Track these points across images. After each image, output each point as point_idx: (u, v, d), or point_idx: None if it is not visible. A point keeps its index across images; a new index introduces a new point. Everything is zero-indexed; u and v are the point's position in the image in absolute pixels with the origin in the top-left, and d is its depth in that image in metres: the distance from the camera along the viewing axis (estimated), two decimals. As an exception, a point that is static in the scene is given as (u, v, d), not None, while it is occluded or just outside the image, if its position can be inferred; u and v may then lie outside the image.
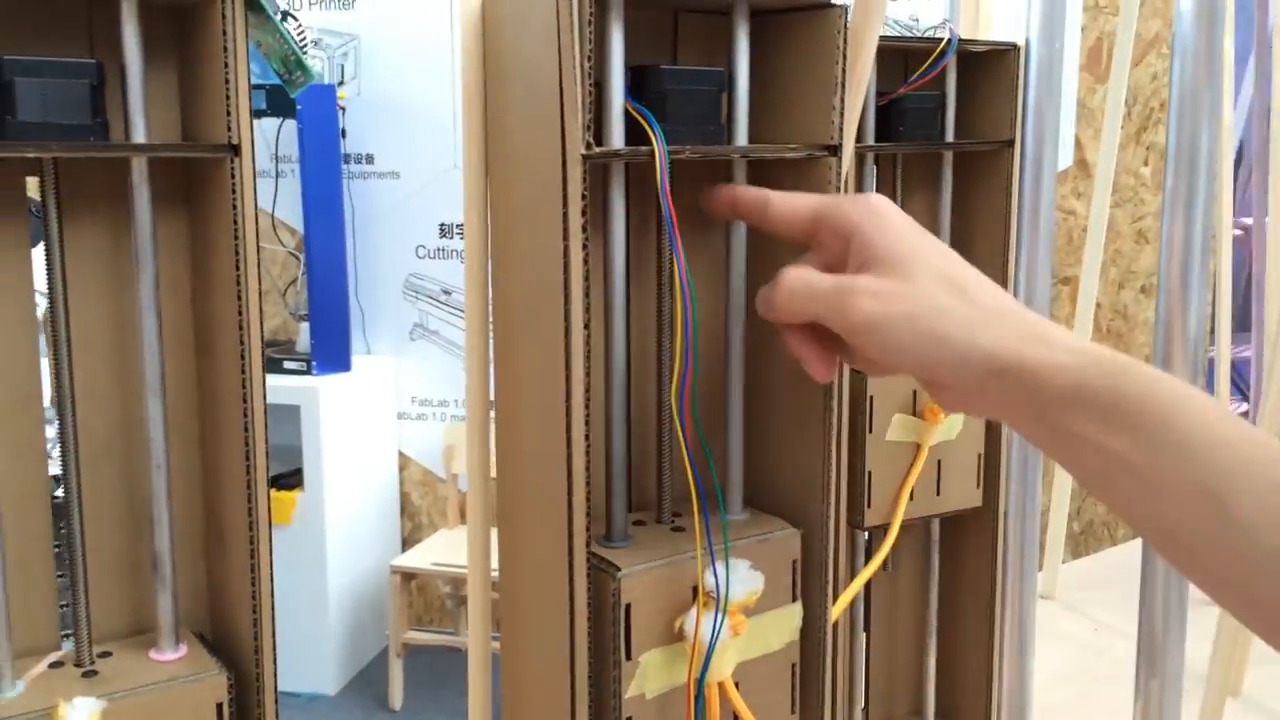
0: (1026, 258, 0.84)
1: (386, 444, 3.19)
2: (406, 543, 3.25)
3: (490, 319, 0.63)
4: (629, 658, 0.57)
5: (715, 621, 0.56)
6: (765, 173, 0.62)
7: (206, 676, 0.53)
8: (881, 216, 0.51)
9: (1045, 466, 0.91)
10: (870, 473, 0.82)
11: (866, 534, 0.86)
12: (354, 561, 3.02)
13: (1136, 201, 2.96)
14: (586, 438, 0.54)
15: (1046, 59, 0.81)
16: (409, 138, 3.05)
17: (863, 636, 0.90)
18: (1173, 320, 0.79)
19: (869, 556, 0.85)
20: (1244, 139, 2.22)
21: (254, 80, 0.52)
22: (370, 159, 3.11)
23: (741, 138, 0.60)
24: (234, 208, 0.51)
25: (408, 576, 2.88)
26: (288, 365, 2.92)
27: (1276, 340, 1.19)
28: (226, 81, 0.51)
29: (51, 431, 0.54)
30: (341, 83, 3.03)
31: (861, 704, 0.91)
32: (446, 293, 3.12)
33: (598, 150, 0.52)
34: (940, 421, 0.83)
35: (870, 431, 0.81)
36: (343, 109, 2.97)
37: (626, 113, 0.55)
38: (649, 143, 0.54)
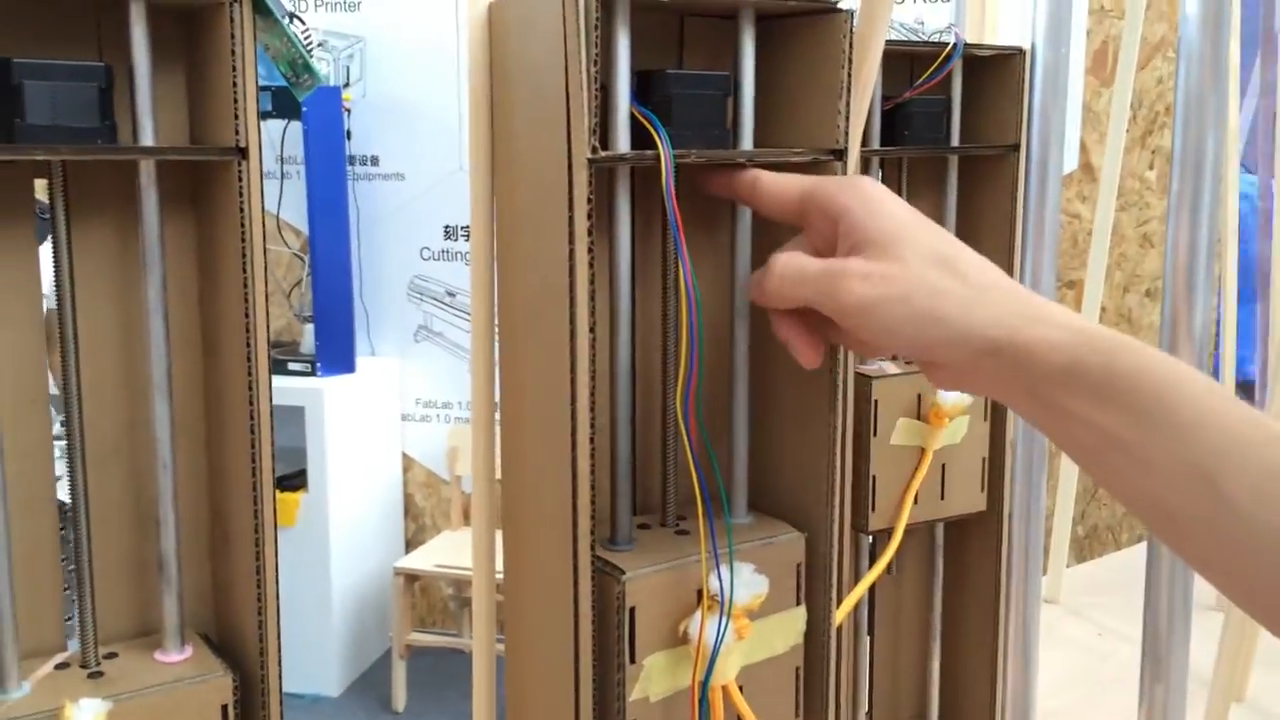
0: (1031, 261, 0.84)
1: (390, 445, 3.19)
2: (410, 544, 3.25)
3: (496, 322, 0.63)
4: (633, 661, 0.57)
5: (719, 625, 0.56)
6: (771, 176, 0.62)
7: (212, 678, 0.53)
8: (870, 198, 0.51)
9: (1050, 470, 0.91)
10: (875, 476, 0.82)
11: (871, 538, 0.86)
12: (357, 563, 3.02)
13: (1141, 205, 2.95)
14: (591, 440, 0.54)
15: (1052, 63, 0.81)
16: (414, 140, 3.05)
17: (867, 640, 0.90)
18: (1178, 324, 0.79)
19: (873, 560, 0.85)
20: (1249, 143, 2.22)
21: (259, 82, 0.52)
22: (375, 161, 3.11)
23: (747, 142, 0.60)
24: (241, 210, 0.52)
25: (411, 578, 2.88)
26: (292, 366, 2.92)
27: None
28: (234, 85, 0.51)
29: (59, 429, 0.54)
30: (347, 85, 3.03)
31: (865, 708, 0.91)
32: (451, 294, 3.12)
33: (603, 154, 0.53)
34: (945, 425, 0.83)
35: (875, 435, 0.81)
36: (348, 111, 2.97)
37: (632, 117, 0.55)
38: (654, 147, 0.54)
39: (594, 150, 0.52)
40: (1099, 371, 0.44)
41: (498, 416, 0.63)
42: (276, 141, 2.96)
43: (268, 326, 0.53)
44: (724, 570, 0.57)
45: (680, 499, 0.63)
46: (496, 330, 0.63)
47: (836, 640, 0.64)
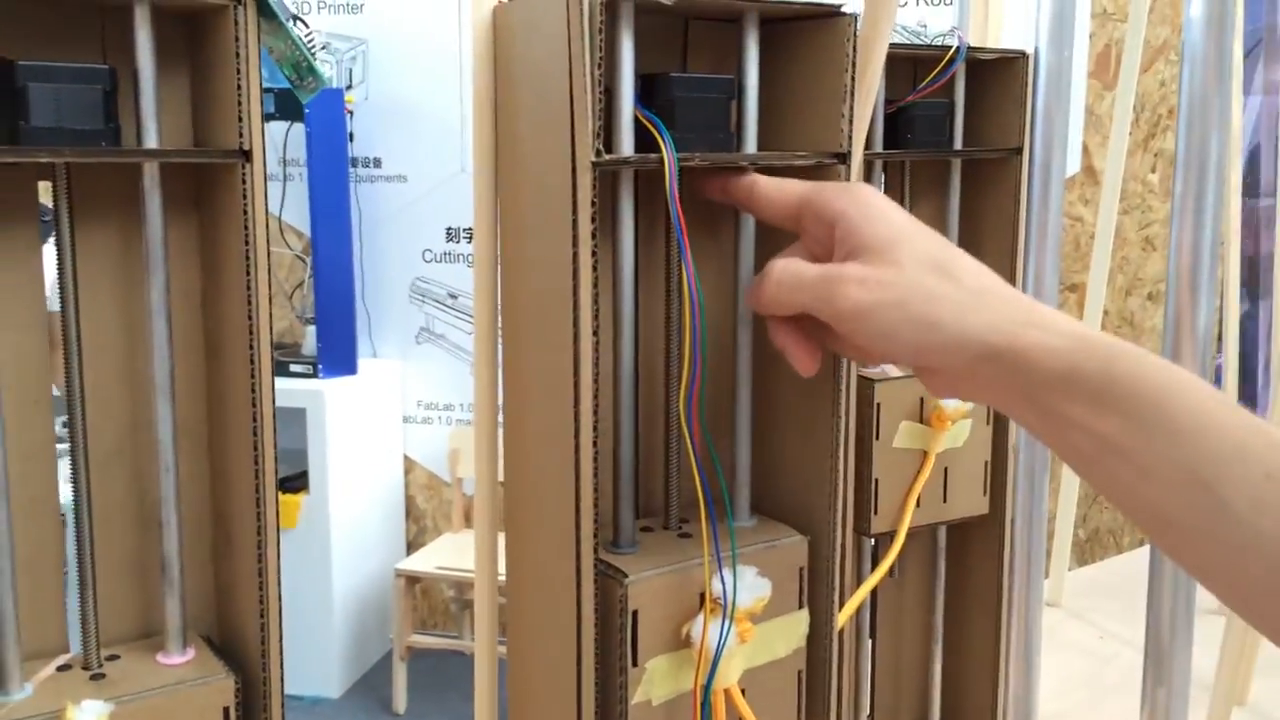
0: (1034, 264, 0.83)
1: (392, 447, 3.19)
2: (411, 546, 3.25)
3: (499, 324, 0.63)
4: (635, 664, 0.57)
5: (722, 628, 0.56)
6: (774, 179, 0.62)
7: (214, 680, 0.53)
8: (867, 204, 0.51)
9: (1052, 473, 0.91)
10: (877, 480, 0.82)
11: (873, 541, 0.86)
12: (358, 565, 3.02)
13: (1144, 208, 2.95)
14: (594, 443, 0.54)
15: (1055, 66, 0.81)
16: (416, 142, 3.05)
17: (869, 644, 0.90)
18: (1181, 327, 0.79)
19: (875, 563, 0.85)
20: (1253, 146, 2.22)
21: (262, 84, 0.52)
22: (378, 163, 3.11)
23: (751, 145, 0.60)
24: (244, 213, 0.52)
25: (412, 580, 2.88)
26: (294, 368, 2.92)
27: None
28: (238, 88, 0.51)
29: (61, 431, 0.54)
30: (350, 87, 3.04)
31: (867, 711, 0.91)
32: (453, 296, 3.12)
33: (607, 157, 0.53)
34: (947, 429, 0.83)
35: (877, 438, 0.81)
36: (350, 113, 2.98)
37: (636, 120, 0.55)
38: (658, 150, 0.54)
39: (598, 153, 0.52)
40: (1097, 377, 0.44)
41: (500, 419, 0.63)
42: (279, 144, 2.97)
43: (270, 328, 0.53)
44: (727, 573, 0.57)
45: (683, 502, 0.63)
46: (500, 333, 0.63)
47: (838, 643, 0.64)
